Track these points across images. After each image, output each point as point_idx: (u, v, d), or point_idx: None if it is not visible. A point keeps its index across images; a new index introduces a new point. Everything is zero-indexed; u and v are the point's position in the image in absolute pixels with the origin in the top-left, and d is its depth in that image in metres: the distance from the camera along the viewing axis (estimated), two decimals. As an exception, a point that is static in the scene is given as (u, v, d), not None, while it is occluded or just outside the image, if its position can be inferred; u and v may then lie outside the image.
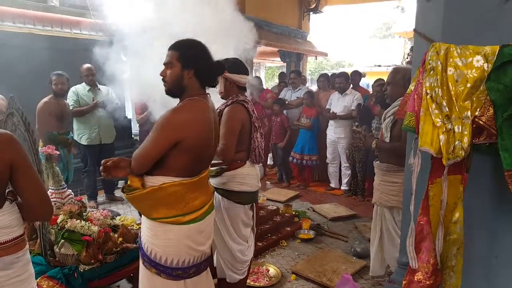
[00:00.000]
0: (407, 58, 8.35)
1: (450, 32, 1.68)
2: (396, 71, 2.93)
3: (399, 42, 18.05)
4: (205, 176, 1.97)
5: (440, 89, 1.65)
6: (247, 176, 2.63)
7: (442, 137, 1.63)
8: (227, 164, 2.58)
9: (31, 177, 1.47)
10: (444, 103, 1.64)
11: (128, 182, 1.91)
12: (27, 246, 1.58)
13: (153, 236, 1.90)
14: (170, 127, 1.81)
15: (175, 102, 1.96)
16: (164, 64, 1.93)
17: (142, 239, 1.96)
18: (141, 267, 1.98)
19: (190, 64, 1.87)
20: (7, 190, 1.49)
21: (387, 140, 2.84)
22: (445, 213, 1.70)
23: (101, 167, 1.92)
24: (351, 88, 5.96)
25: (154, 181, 1.85)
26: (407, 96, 1.92)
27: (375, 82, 6.03)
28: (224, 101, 2.65)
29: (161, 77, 1.94)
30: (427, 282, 1.79)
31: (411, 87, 1.86)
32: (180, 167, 1.85)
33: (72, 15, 5.52)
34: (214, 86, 2.02)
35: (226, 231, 2.63)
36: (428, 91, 1.68)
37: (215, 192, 2.59)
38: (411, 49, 8.31)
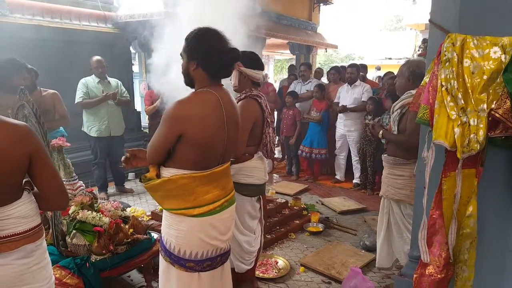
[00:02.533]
0: (419, 50, 8.25)
1: (467, 23, 1.64)
2: (405, 63, 2.90)
3: (410, 35, 17.82)
4: (220, 171, 1.92)
5: (455, 81, 1.62)
6: (254, 169, 2.63)
7: (457, 130, 1.60)
8: (234, 157, 2.58)
9: (48, 167, 1.50)
10: (460, 96, 1.61)
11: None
12: (44, 234, 1.61)
13: (167, 226, 1.92)
14: (171, 120, 1.78)
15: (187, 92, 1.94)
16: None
17: (162, 229, 1.99)
18: (160, 257, 2.00)
19: (193, 56, 1.84)
20: (24, 180, 1.51)
21: (395, 133, 2.82)
22: (458, 207, 1.68)
23: (122, 158, 2.05)
24: (359, 80, 5.85)
25: (166, 172, 1.86)
26: (421, 88, 1.89)
27: (385, 75, 5.97)
28: (236, 93, 2.64)
29: None
30: (439, 276, 1.78)
31: (426, 79, 1.83)
32: (189, 160, 1.83)
33: (81, 6, 5.54)
34: (227, 76, 1.95)
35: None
36: (443, 83, 1.65)
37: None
38: (423, 41, 8.22)
